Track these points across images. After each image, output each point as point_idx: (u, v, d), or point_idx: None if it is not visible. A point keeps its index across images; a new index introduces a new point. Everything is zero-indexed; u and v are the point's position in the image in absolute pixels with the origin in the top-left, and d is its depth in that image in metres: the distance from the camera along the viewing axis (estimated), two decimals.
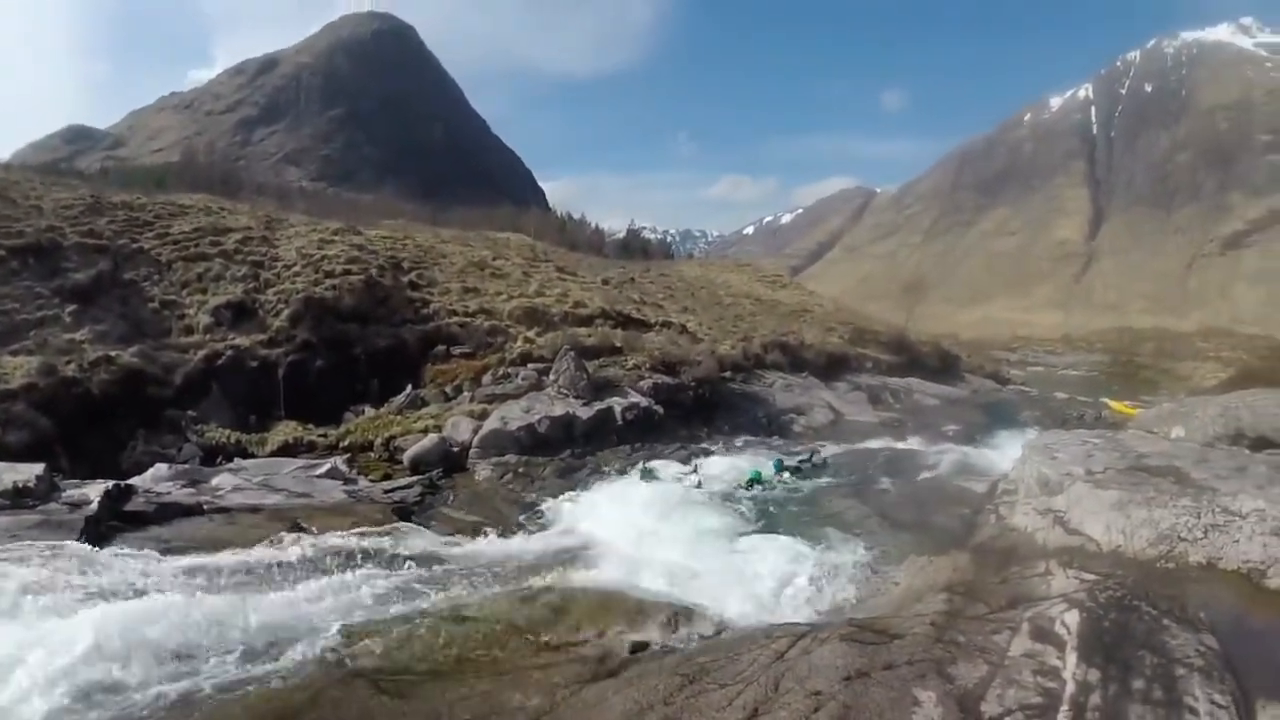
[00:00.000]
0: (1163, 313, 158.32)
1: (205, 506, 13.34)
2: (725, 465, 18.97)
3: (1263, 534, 8.86)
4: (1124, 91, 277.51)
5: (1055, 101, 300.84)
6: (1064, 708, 6.06)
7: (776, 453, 20.53)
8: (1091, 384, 55.77)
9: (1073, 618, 7.40)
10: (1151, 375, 64.48)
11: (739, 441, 22.15)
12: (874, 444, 22.88)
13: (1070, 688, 6.29)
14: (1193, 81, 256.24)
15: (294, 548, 11.29)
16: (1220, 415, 16.09)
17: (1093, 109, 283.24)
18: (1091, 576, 8.51)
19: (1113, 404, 32.21)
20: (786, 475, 17.89)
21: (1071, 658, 6.70)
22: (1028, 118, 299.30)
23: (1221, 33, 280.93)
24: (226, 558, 10.68)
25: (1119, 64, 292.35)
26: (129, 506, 12.76)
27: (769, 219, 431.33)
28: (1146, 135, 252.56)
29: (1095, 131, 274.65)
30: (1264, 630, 7.42)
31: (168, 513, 12.72)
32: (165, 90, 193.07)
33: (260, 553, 10.98)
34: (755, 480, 17.30)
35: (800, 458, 19.46)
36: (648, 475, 18.05)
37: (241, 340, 21.84)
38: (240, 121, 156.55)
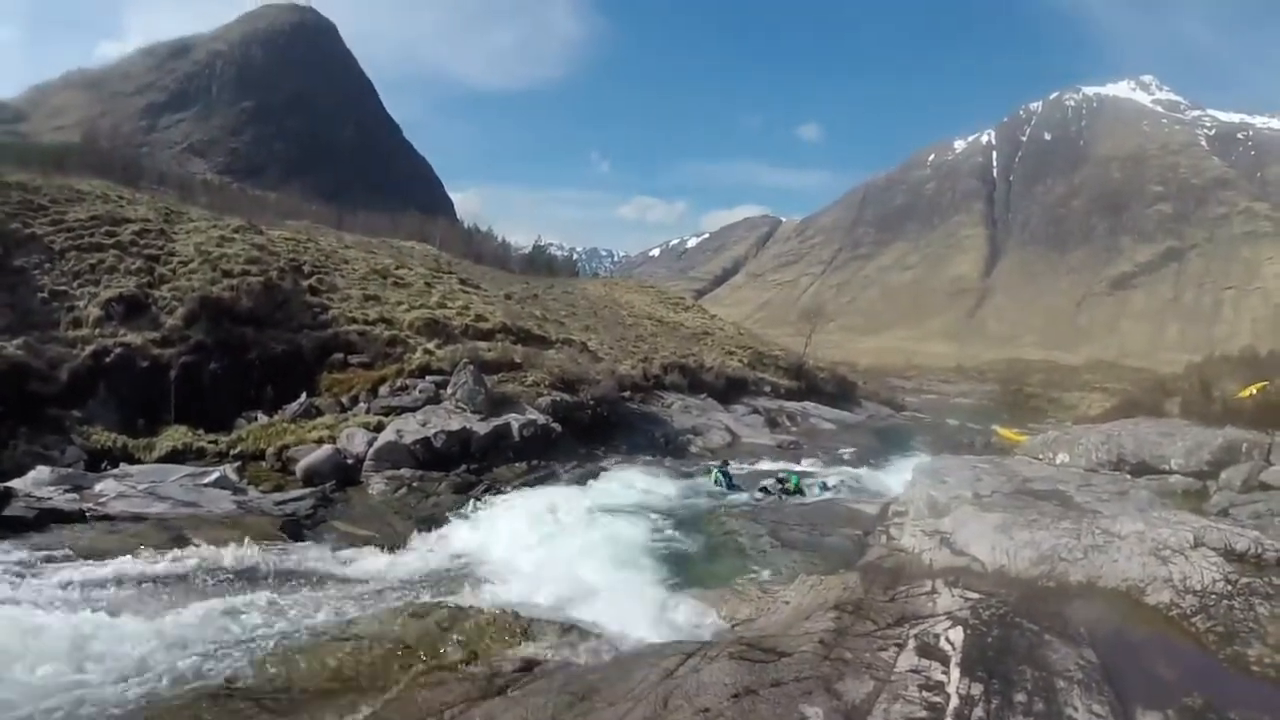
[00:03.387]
0: (1053, 346, 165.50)
1: (88, 514, 12.72)
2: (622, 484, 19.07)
3: (1141, 554, 9.26)
4: (1025, 138, 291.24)
5: (959, 144, 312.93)
6: None
7: (671, 473, 20.94)
8: (982, 412, 57.75)
9: (957, 634, 7.56)
10: (1039, 404, 67.17)
11: (636, 461, 22.18)
12: (770, 466, 23.29)
13: (954, 701, 6.39)
14: (1091, 133, 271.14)
15: (177, 561, 10.75)
16: (1104, 442, 16.83)
17: (994, 153, 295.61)
18: (976, 595, 8.74)
19: (1001, 431, 33.26)
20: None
21: (956, 672, 6.84)
22: (931, 158, 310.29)
23: (1121, 89, 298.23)
24: (105, 570, 10.12)
25: (1021, 113, 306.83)
26: (7, 511, 12.04)
27: (675, 242, 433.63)
28: (1044, 180, 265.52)
29: (995, 174, 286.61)
30: (1142, 643, 7.72)
31: (48, 519, 12.08)
32: (73, 61, 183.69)
33: (141, 566, 10.43)
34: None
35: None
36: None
37: (132, 338, 20.73)
38: (147, 106, 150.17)
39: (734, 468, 21.14)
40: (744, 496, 18.49)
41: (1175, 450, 15.50)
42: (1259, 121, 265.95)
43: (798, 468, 22.39)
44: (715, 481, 19.33)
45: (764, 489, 18.84)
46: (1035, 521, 10.92)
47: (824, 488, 19.60)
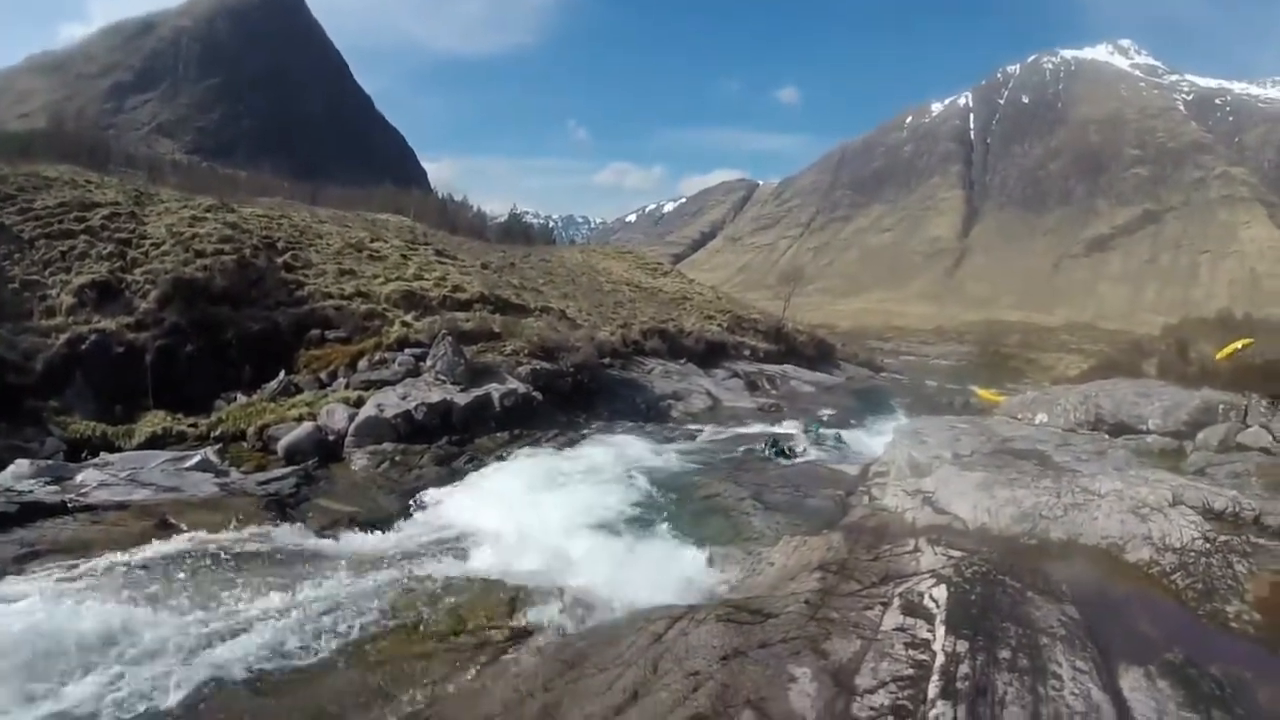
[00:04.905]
0: (1030, 308, 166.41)
1: (70, 505, 12.54)
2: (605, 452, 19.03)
3: (1121, 512, 9.38)
4: (1002, 101, 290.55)
5: (936, 107, 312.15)
6: (934, 678, 6.24)
7: (653, 438, 21.04)
8: (961, 372, 58.12)
9: (941, 592, 7.64)
10: (1018, 365, 67.64)
11: (618, 427, 22.22)
12: (751, 429, 23.42)
13: (940, 659, 6.48)
14: (1069, 96, 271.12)
15: (162, 547, 10.66)
16: (1082, 403, 16.94)
17: (971, 116, 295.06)
18: (958, 553, 8.83)
19: (980, 391, 33.41)
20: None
21: (941, 630, 6.91)
22: (909, 120, 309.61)
23: (1099, 52, 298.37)
24: (90, 562, 9.99)
25: (999, 75, 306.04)
26: None
27: (652, 207, 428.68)
28: (1021, 143, 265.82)
29: (973, 137, 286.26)
30: (1123, 600, 7.84)
31: (31, 513, 11.89)
32: (36, 45, 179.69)
33: (126, 555, 10.30)
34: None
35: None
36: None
37: (106, 323, 20.42)
38: (113, 87, 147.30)
39: (713, 430, 21.43)
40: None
41: (1152, 411, 15.61)
42: (1237, 87, 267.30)
43: (780, 430, 22.59)
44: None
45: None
46: (1015, 480, 11.02)
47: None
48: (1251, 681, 6.39)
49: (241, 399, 20.43)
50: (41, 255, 22.53)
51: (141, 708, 6.96)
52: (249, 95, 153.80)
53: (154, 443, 17.50)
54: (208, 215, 28.93)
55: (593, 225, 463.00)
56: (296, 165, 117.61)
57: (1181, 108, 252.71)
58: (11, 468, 14.15)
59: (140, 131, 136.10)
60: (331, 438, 17.76)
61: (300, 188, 69.90)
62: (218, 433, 18.34)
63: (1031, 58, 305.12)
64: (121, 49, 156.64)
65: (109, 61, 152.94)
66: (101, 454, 16.34)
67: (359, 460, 17.08)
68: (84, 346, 19.57)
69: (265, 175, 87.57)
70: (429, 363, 21.37)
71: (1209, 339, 21.57)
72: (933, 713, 5.86)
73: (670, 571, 10.64)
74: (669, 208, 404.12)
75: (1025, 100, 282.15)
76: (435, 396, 19.46)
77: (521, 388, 21.43)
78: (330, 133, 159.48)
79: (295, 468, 16.17)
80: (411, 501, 14.64)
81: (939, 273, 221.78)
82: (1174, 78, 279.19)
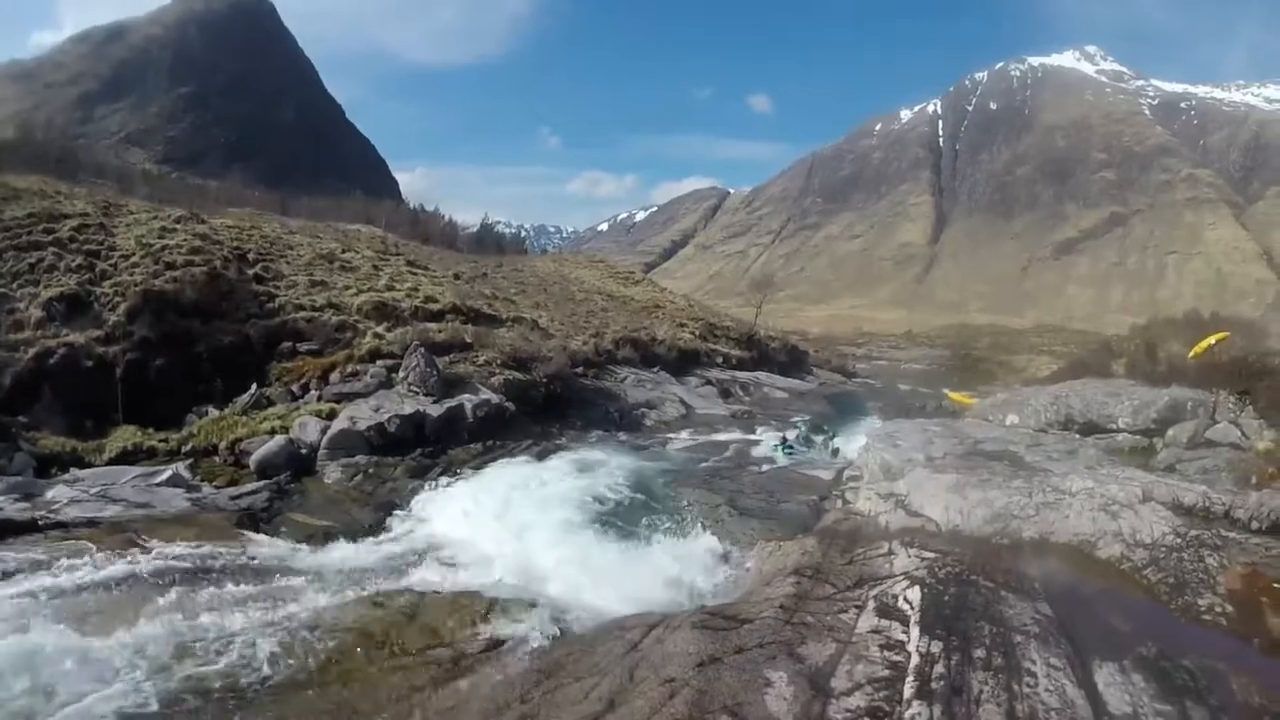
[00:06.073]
0: (1000, 311, 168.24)
1: (40, 522, 12.32)
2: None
3: (1092, 510, 9.49)
4: (970, 108, 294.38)
5: (905, 114, 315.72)
6: (910, 678, 6.28)
7: (627, 447, 21.00)
8: (932, 376, 58.62)
9: (915, 594, 7.70)
10: (989, 368, 68.18)
11: (591, 437, 22.16)
12: (724, 436, 23.62)
13: (915, 659, 6.52)
14: (1036, 102, 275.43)
15: (133, 564, 10.46)
16: (1052, 403, 17.12)
17: (940, 122, 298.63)
18: (932, 554, 8.90)
19: (952, 394, 33.58)
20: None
21: (915, 631, 6.96)
22: (878, 128, 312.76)
23: (1066, 59, 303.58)
24: (61, 579, 9.80)
25: (967, 82, 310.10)
26: None
27: (624, 216, 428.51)
28: (990, 149, 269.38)
29: (942, 143, 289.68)
30: (1096, 596, 7.92)
31: (0, 530, 11.67)
32: (6, 53, 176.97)
33: (97, 572, 10.10)
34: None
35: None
36: (785, 447, 20.17)
37: (75, 337, 20.05)
38: (82, 96, 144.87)
39: (686, 437, 21.58)
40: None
41: (1122, 409, 15.80)
42: (1201, 91, 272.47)
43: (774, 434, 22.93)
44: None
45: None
46: (987, 481, 11.11)
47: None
48: (1224, 672, 6.47)
49: (213, 413, 20.13)
50: (9, 267, 22.14)
51: None
52: (219, 104, 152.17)
53: (125, 458, 17.20)
54: (177, 226, 28.57)
55: (565, 234, 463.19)
56: (267, 175, 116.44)
57: (1147, 112, 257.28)
58: None
59: (110, 141, 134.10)
60: (304, 451, 17.56)
61: (270, 197, 69.42)
62: (189, 447, 18.05)
63: (999, 65, 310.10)
64: (91, 57, 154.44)
65: (78, 70, 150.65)
66: (72, 470, 16.06)
67: (332, 473, 16.89)
68: (53, 361, 19.21)
69: (236, 185, 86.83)
70: (401, 374, 21.22)
71: (1177, 338, 21.91)
72: (909, 713, 5.89)
73: (645, 579, 10.63)
74: (640, 216, 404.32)
75: (993, 107, 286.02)
76: (408, 408, 19.33)
77: (494, 398, 21.32)
78: (301, 142, 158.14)
79: (268, 482, 15.96)
80: (385, 514, 14.51)
81: (909, 278, 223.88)
82: (1139, 83, 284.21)
